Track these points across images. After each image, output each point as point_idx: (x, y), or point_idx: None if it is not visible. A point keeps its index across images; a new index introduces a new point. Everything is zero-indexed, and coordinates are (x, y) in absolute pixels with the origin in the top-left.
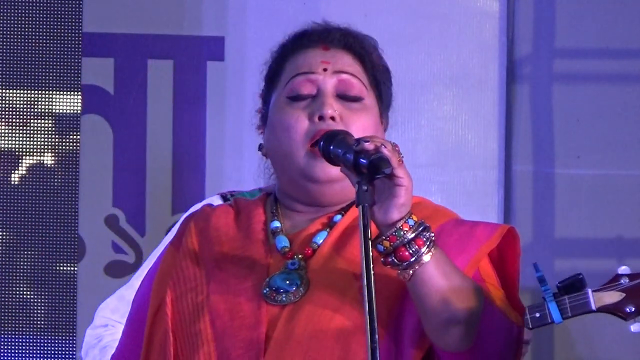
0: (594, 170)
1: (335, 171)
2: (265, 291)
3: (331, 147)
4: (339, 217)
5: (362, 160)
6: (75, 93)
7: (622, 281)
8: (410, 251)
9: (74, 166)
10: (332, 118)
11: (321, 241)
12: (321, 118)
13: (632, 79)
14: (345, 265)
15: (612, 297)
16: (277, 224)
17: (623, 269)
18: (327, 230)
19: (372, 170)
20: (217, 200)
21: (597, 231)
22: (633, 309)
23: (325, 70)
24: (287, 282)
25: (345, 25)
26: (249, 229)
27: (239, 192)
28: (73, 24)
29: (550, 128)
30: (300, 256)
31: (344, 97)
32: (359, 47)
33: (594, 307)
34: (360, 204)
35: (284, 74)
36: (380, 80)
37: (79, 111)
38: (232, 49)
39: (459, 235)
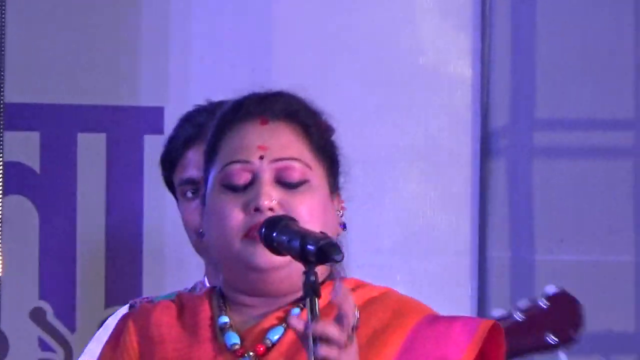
0: (579, 256)
1: (278, 256)
2: None
3: (274, 235)
4: (297, 310)
5: (309, 246)
6: None
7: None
8: None
9: None
10: (271, 209)
11: (276, 337)
12: (257, 209)
13: (621, 153)
14: None
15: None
16: (225, 319)
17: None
18: (284, 325)
19: (320, 257)
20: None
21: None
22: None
23: (261, 157)
24: None
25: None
26: (195, 327)
27: (152, 298)
28: None
29: (529, 208)
30: (252, 354)
31: (284, 183)
32: (303, 114)
33: None
34: (307, 297)
35: (221, 152)
36: (328, 149)
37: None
38: (172, 121)
39: (435, 337)
